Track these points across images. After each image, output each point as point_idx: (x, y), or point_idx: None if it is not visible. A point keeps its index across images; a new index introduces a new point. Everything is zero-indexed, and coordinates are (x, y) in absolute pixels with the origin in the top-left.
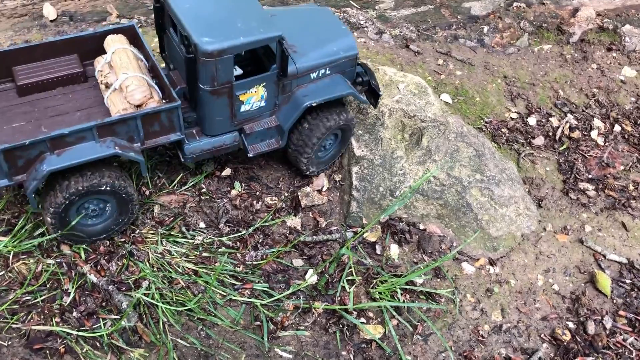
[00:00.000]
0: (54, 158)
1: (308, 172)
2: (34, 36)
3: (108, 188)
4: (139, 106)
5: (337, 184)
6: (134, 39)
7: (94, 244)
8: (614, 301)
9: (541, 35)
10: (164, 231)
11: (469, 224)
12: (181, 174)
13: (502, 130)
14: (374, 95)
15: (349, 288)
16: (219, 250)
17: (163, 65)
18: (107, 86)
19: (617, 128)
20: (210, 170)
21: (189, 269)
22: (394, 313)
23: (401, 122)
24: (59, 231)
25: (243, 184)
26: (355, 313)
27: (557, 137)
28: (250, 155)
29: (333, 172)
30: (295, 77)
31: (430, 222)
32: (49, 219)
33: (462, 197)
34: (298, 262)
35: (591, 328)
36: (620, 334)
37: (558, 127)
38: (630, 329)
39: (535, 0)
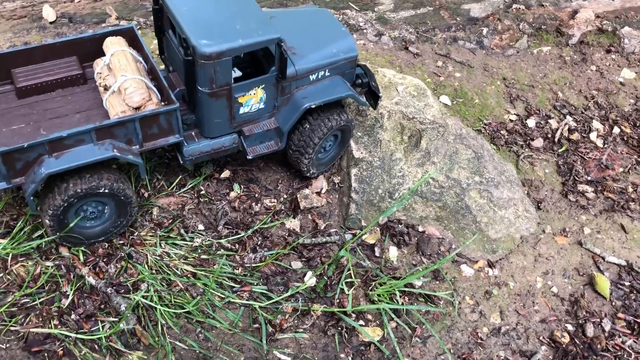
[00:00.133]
0: (52, 161)
1: (308, 174)
2: (33, 38)
3: (107, 190)
4: (137, 108)
5: (336, 186)
6: (133, 41)
7: (93, 246)
8: (613, 303)
9: (540, 37)
10: (163, 233)
11: (467, 226)
12: (180, 176)
13: (501, 132)
14: (373, 96)
15: (348, 290)
16: (218, 252)
17: (162, 67)
18: (106, 88)
19: (616, 130)
20: (209, 172)
21: (187, 271)
22: (393, 315)
23: (400, 124)
24: (58, 233)
25: (242, 186)
26: (354, 315)
27: (556, 139)
28: (250, 157)
29: (332, 174)
30: (294, 79)
31: (429, 224)
32: (47, 221)
33: (461, 199)
34: (297, 265)
35: (590, 330)
36: (619, 337)
37: (557, 129)
38: (629, 332)
39: (535, 2)
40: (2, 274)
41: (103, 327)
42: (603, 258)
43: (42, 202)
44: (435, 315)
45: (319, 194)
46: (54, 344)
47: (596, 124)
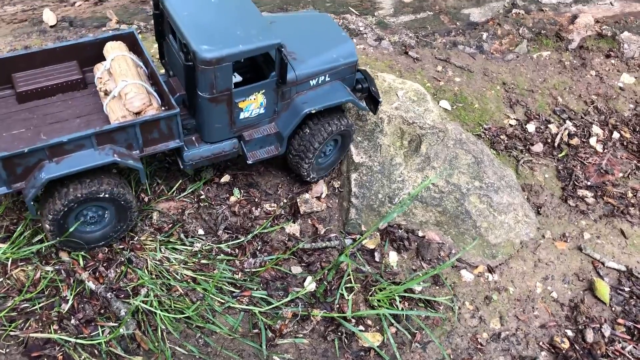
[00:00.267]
0: (52, 166)
1: (308, 178)
2: (34, 42)
3: (107, 195)
4: (138, 113)
5: (336, 191)
6: (134, 46)
7: (93, 251)
8: (613, 309)
9: (540, 41)
10: (163, 238)
11: (467, 231)
12: (180, 181)
13: (501, 137)
14: (373, 101)
15: (348, 295)
16: (218, 257)
17: (162, 71)
18: (107, 93)
19: (615, 135)
20: (209, 176)
21: (187, 276)
22: (393, 321)
23: (400, 128)
24: (58, 238)
25: (242, 191)
26: (353, 321)
27: (555, 144)
28: (250, 162)
29: (332, 179)
30: (294, 84)
31: (429, 229)
32: (47, 225)
33: (461, 204)
34: (297, 269)
35: (590, 336)
36: (619, 342)
37: (557, 134)
38: (629, 337)
39: (534, 7)
40: (2, 279)
41: (103, 332)
42: (603, 263)
43: (42, 207)
44: (435, 320)
45: (319, 198)
46: (53, 349)
47: (596, 129)
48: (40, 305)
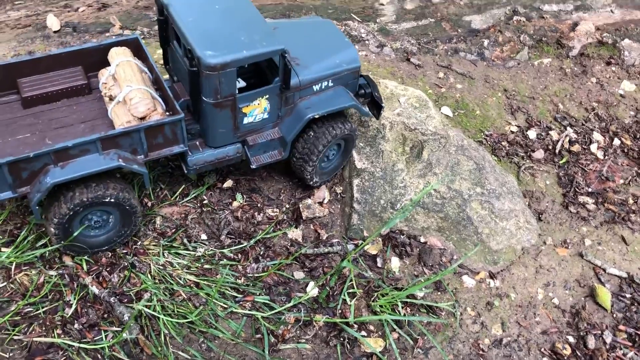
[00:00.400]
0: (57, 170)
1: (311, 182)
2: (38, 47)
3: (112, 200)
4: (142, 118)
5: (338, 196)
6: (138, 51)
7: (96, 255)
8: (614, 315)
9: (541, 49)
10: (166, 243)
11: (469, 237)
12: (183, 186)
13: (502, 143)
14: (376, 107)
15: (350, 301)
16: (221, 262)
17: (166, 77)
18: (111, 98)
19: (616, 142)
20: (212, 181)
21: (190, 280)
22: (395, 326)
23: (402, 135)
24: (62, 242)
25: (244, 196)
26: (356, 326)
27: (557, 151)
28: (253, 166)
29: (334, 185)
30: (298, 90)
31: (431, 235)
32: (52, 229)
33: (462, 210)
34: (299, 275)
35: (591, 342)
36: (620, 349)
37: (558, 141)
38: (630, 344)
39: (535, 14)
40: (5, 283)
41: (106, 336)
42: (604, 270)
43: (47, 211)
44: (437, 326)
45: (321, 204)
46: (57, 354)
47: (597, 136)
48: (44, 309)
